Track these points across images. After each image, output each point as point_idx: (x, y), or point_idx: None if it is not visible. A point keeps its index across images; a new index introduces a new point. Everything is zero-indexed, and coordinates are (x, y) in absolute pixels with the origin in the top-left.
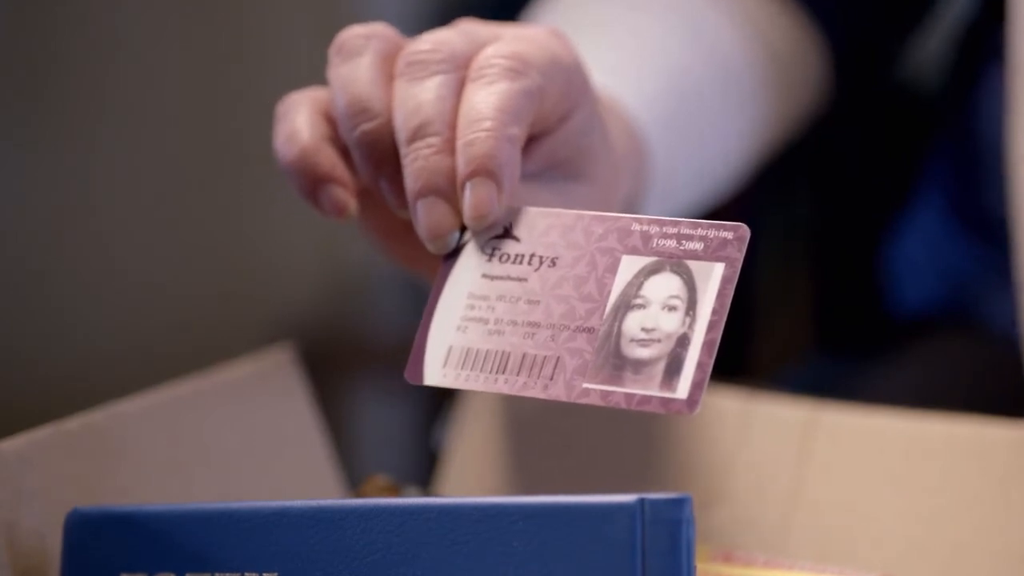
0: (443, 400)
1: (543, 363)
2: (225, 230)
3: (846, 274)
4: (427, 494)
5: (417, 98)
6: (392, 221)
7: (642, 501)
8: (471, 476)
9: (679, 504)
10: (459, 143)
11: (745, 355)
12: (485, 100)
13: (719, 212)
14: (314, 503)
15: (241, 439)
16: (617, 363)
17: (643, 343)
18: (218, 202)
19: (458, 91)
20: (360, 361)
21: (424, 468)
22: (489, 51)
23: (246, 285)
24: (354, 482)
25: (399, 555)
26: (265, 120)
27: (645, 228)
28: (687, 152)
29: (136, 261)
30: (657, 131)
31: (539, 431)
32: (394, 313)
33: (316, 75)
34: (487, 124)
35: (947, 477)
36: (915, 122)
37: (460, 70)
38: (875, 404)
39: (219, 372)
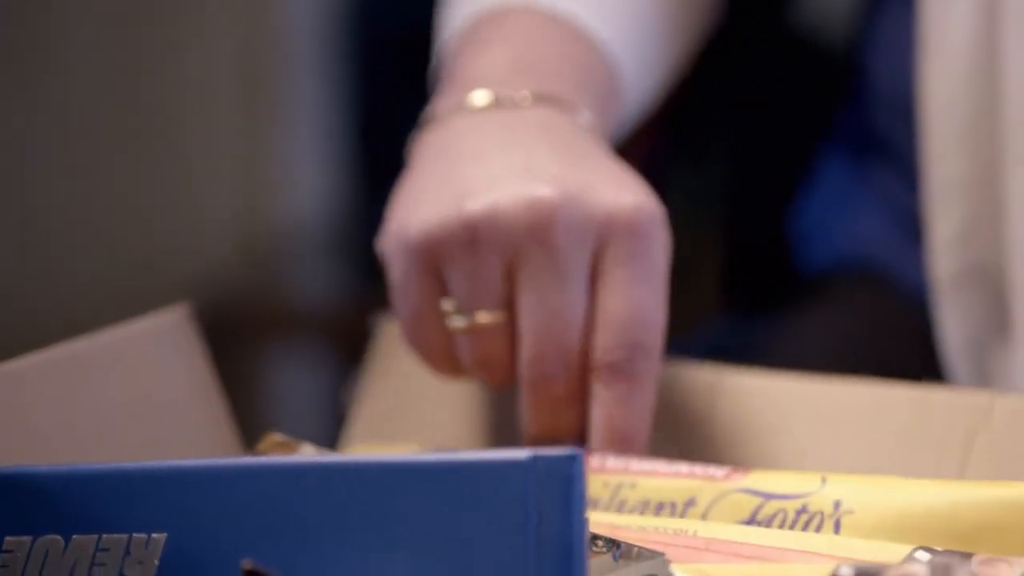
0: (357, 364)
1: None
2: (144, 193)
3: (755, 233)
4: (324, 453)
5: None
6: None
7: (535, 457)
8: (375, 437)
9: (571, 460)
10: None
11: None
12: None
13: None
14: (204, 462)
15: (135, 399)
16: None
17: None
18: (137, 165)
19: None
20: (277, 325)
21: (337, 432)
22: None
23: (164, 248)
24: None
25: (290, 514)
26: (185, 85)
27: None
28: (643, 76)
29: (55, 223)
30: (627, 61)
31: (445, 393)
32: (312, 279)
33: (232, 39)
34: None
35: (847, 438)
36: (820, 76)
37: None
38: (785, 361)
39: (113, 331)
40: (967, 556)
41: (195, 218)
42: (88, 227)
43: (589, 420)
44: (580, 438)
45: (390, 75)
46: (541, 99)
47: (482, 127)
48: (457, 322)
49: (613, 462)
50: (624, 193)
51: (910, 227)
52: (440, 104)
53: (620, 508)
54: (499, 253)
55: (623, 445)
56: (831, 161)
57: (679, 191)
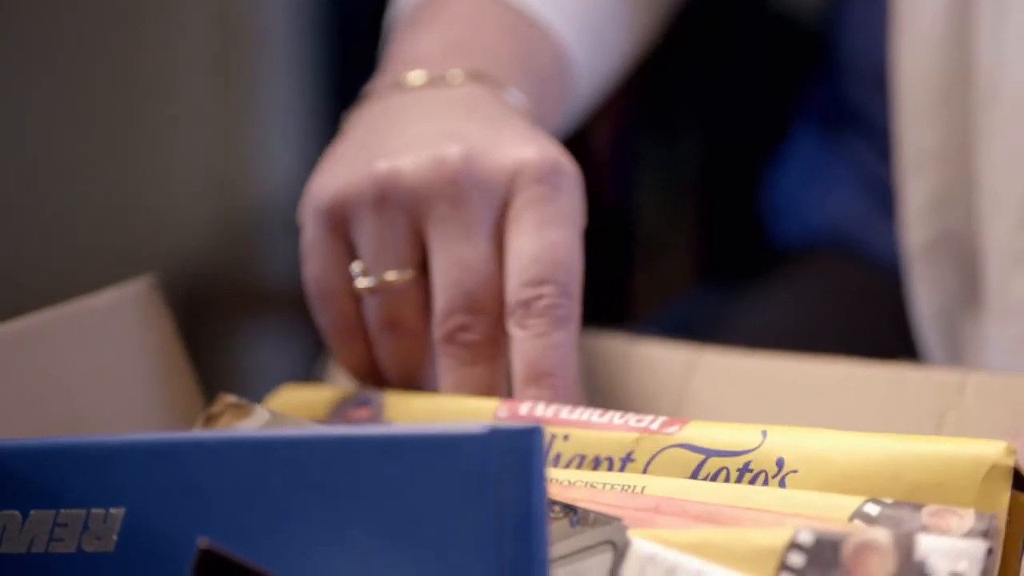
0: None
1: None
2: (117, 169)
3: (728, 206)
4: (278, 416)
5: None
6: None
7: (493, 431)
8: None
9: (530, 434)
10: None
11: (629, 291)
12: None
13: (600, 157)
14: (161, 436)
15: (100, 370)
16: None
17: None
18: (110, 141)
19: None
20: (249, 300)
21: None
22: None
23: (137, 224)
24: None
25: (248, 488)
26: (158, 62)
27: None
28: (599, 57)
29: (28, 198)
30: (579, 43)
31: None
32: (285, 255)
33: (205, 15)
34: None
35: (820, 417)
36: (792, 48)
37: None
38: (758, 333)
39: (78, 303)
40: (917, 508)
41: (169, 194)
42: (60, 203)
43: (510, 369)
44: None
45: (363, 52)
46: (472, 77)
47: (411, 103)
48: (364, 283)
49: (542, 411)
50: (530, 146)
51: (882, 198)
52: (376, 82)
53: (556, 462)
54: (406, 211)
55: (543, 382)
56: (803, 133)
57: (652, 165)
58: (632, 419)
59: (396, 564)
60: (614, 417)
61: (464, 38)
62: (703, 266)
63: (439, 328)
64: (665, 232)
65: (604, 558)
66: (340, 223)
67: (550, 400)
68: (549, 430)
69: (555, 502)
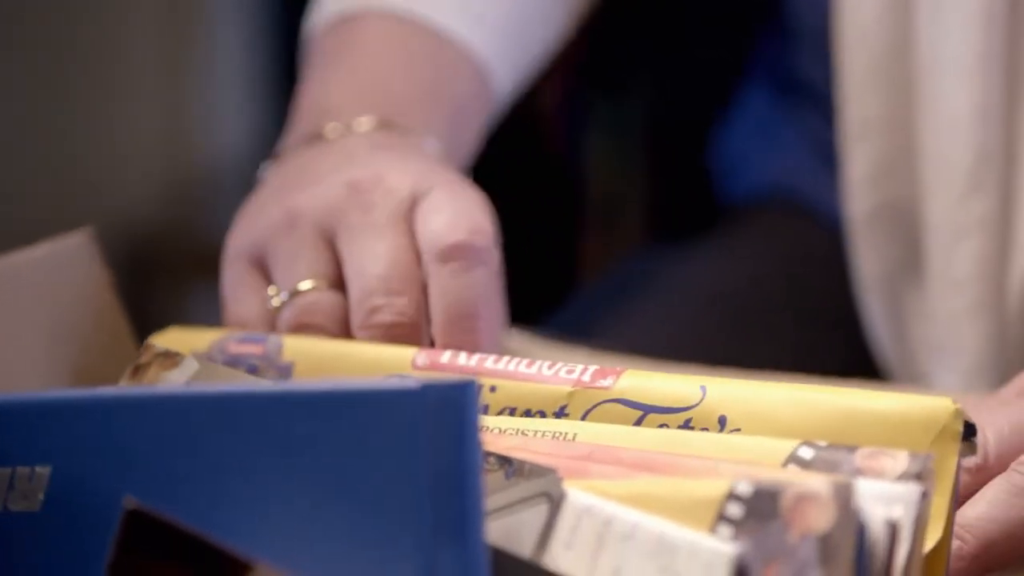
0: None
1: None
2: (67, 129)
3: (679, 165)
4: (207, 366)
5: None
6: None
7: (425, 387)
8: None
9: (463, 389)
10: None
11: (579, 250)
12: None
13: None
14: (88, 393)
15: (34, 324)
16: None
17: None
18: (60, 101)
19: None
20: (199, 262)
21: None
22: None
23: (87, 185)
24: None
25: (176, 445)
26: (107, 21)
27: None
28: (520, 58)
29: None
30: (499, 53)
31: None
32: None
33: None
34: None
35: None
36: (742, 12)
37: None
38: (708, 291)
39: (11, 256)
40: (851, 450)
41: (118, 155)
42: (9, 162)
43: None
44: None
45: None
46: (382, 126)
47: (323, 153)
48: (278, 301)
49: (465, 360)
50: (448, 219)
51: (831, 161)
52: (290, 138)
53: (484, 413)
54: (318, 227)
55: (465, 324)
56: (753, 96)
57: (602, 125)
58: (563, 369)
59: (328, 521)
60: (543, 367)
61: (373, 81)
62: (653, 224)
63: (355, 316)
64: (615, 190)
65: (539, 511)
66: (256, 260)
67: (472, 347)
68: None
69: (490, 453)
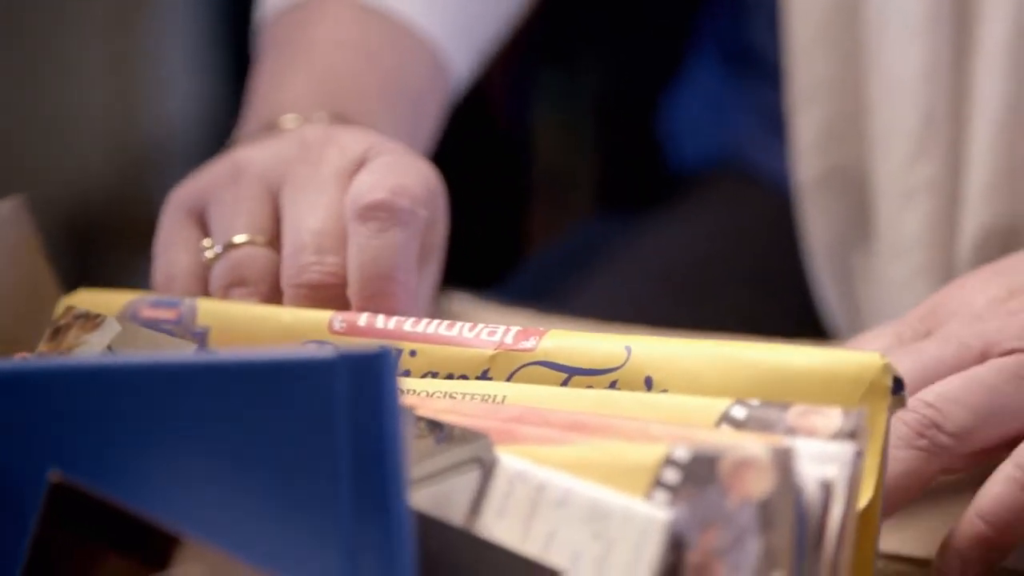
0: None
1: None
2: (14, 100)
3: (629, 134)
4: (129, 329)
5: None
6: None
7: (341, 356)
8: None
9: (380, 358)
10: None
11: (528, 221)
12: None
13: (498, 88)
14: (7, 364)
15: None
16: None
17: None
18: (6, 71)
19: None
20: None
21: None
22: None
23: (35, 156)
24: None
25: (95, 417)
26: None
27: None
28: (477, 43)
29: None
30: (455, 38)
31: None
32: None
33: None
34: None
35: None
36: None
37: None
38: (657, 260)
39: None
40: (784, 407)
41: (65, 127)
42: None
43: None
44: None
45: None
46: (340, 121)
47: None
48: (212, 253)
49: (383, 323)
50: (373, 181)
51: (780, 129)
52: (245, 129)
53: (406, 377)
54: (263, 180)
55: (383, 287)
56: (702, 65)
57: (552, 94)
58: (484, 331)
59: (249, 494)
60: (463, 329)
61: (329, 74)
62: (603, 195)
63: (285, 272)
64: (564, 161)
65: (471, 477)
66: (196, 212)
67: (389, 310)
68: (394, 345)
69: (421, 419)
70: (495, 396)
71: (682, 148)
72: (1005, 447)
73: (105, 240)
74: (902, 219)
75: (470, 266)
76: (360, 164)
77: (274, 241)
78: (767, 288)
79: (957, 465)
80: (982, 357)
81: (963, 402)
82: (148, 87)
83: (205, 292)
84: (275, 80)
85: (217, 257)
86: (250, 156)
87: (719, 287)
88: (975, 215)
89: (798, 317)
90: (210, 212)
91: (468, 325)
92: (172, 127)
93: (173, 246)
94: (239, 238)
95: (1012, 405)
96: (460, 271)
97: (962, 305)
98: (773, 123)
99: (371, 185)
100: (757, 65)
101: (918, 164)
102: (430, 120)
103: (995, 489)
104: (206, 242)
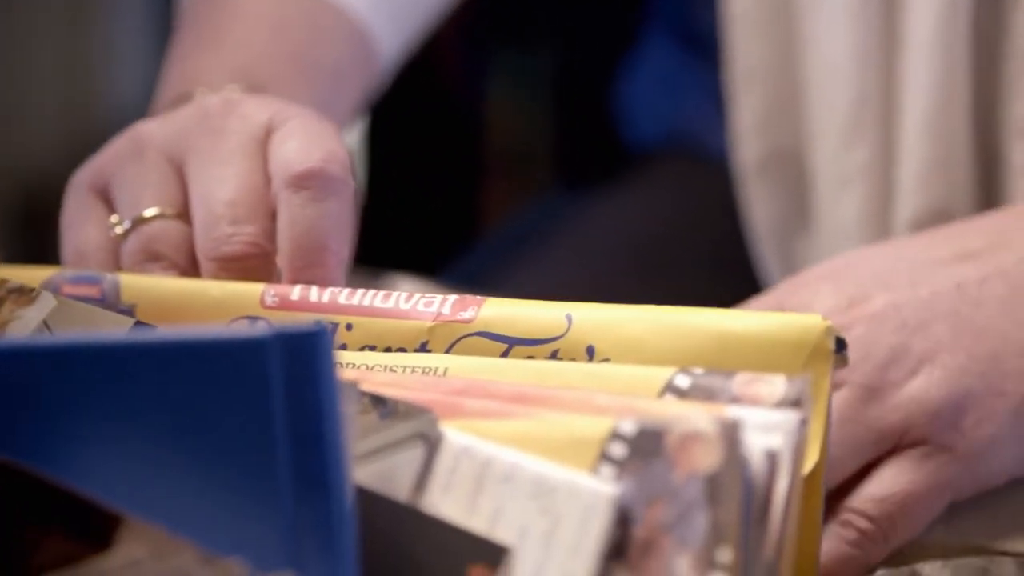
0: None
1: None
2: None
3: (582, 113)
4: (64, 303)
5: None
6: None
7: (276, 335)
8: None
9: (316, 336)
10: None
11: (484, 201)
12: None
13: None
14: None
15: None
16: None
17: None
18: None
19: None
20: None
21: None
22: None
23: None
24: None
25: (33, 398)
26: None
27: None
28: (409, 18)
29: None
30: (380, 11)
31: None
32: None
33: None
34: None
35: None
36: None
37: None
38: (611, 235)
39: None
40: (729, 376)
41: (17, 105)
42: None
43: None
44: None
45: None
46: (251, 92)
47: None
48: (121, 228)
49: (316, 295)
50: (297, 149)
51: (721, 96)
52: (157, 105)
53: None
54: (166, 153)
55: (316, 258)
56: (655, 45)
57: (506, 73)
58: (420, 302)
59: (190, 475)
60: (399, 300)
61: (244, 48)
62: (557, 173)
63: (201, 245)
64: (519, 139)
65: (416, 453)
66: (100, 189)
67: (323, 281)
68: (329, 319)
69: (364, 394)
70: (436, 368)
71: (635, 127)
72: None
73: (57, 220)
74: (839, 204)
75: (425, 244)
76: (267, 131)
77: (183, 214)
78: (716, 266)
79: None
80: None
81: None
82: (101, 71)
83: (118, 268)
84: (188, 55)
85: (127, 232)
86: (150, 130)
87: (670, 265)
88: (910, 200)
89: (746, 296)
90: (114, 189)
91: (404, 295)
92: (125, 111)
93: (80, 223)
94: (149, 212)
95: (842, 452)
96: (415, 250)
97: (805, 309)
98: (723, 104)
99: (300, 152)
100: (706, 46)
101: (852, 149)
102: (350, 98)
103: (824, 544)
104: (114, 218)
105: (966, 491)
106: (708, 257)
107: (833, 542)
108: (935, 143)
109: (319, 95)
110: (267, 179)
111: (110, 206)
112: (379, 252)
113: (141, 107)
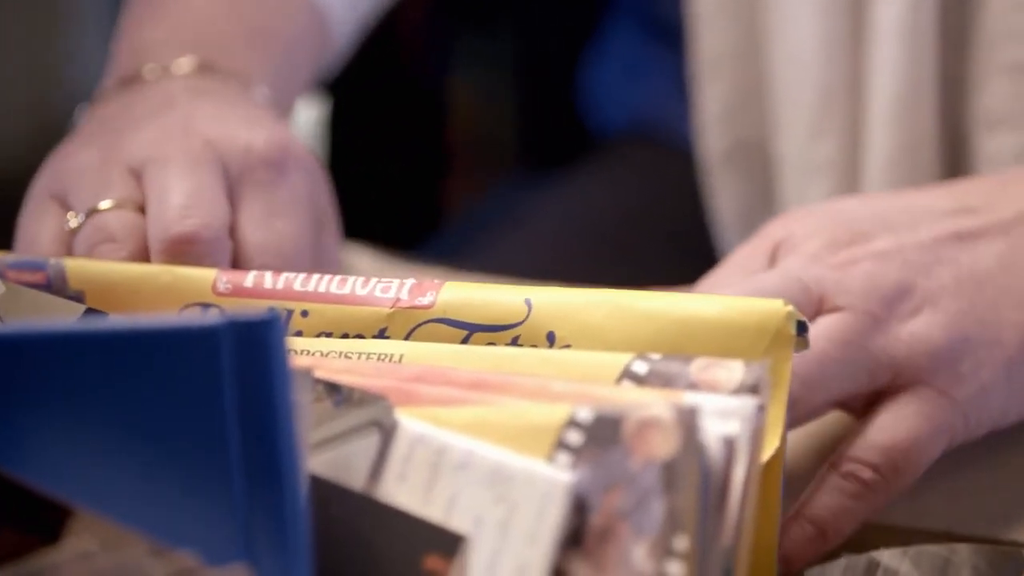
0: None
1: None
2: None
3: (547, 97)
4: (13, 290)
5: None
6: None
7: (229, 323)
8: None
9: (269, 325)
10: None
11: (448, 185)
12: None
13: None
14: None
15: None
16: None
17: None
18: None
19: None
20: None
21: None
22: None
23: None
24: None
25: None
26: None
27: None
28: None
29: None
30: None
31: None
32: None
33: None
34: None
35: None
36: None
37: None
38: (574, 220)
39: None
40: (687, 361)
41: None
42: None
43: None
44: None
45: None
46: (202, 69)
47: (141, 99)
48: (76, 222)
49: (271, 282)
50: (257, 130)
51: (686, 82)
52: (107, 81)
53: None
54: (128, 164)
55: (269, 244)
56: (620, 31)
57: (470, 57)
58: (378, 287)
59: (142, 467)
60: (356, 285)
61: (195, 20)
62: (521, 158)
63: (153, 231)
64: (483, 124)
65: (371, 441)
66: (60, 196)
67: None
68: (283, 306)
69: (319, 381)
70: (392, 355)
71: (600, 112)
72: (831, 408)
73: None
74: (806, 193)
75: (388, 230)
76: (235, 182)
77: (140, 210)
78: (680, 252)
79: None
80: (819, 305)
81: (792, 373)
82: (65, 55)
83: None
84: (138, 27)
85: (81, 225)
86: (113, 139)
87: (634, 250)
88: (876, 191)
89: None
90: (71, 195)
91: (361, 280)
92: (89, 96)
93: (34, 222)
94: (104, 204)
95: (840, 371)
96: (380, 234)
97: (802, 243)
98: (689, 91)
99: (261, 140)
100: (672, 34)
101: (819, 140)
102: (303, 74)
103: (824, 498)
104: (69, 215)
105: (958, 438)
106: (672, 243)
107: (834, 496)
108: (902, 133)
109: (272, 67)
110: (223, 184)
111: (67, 209)
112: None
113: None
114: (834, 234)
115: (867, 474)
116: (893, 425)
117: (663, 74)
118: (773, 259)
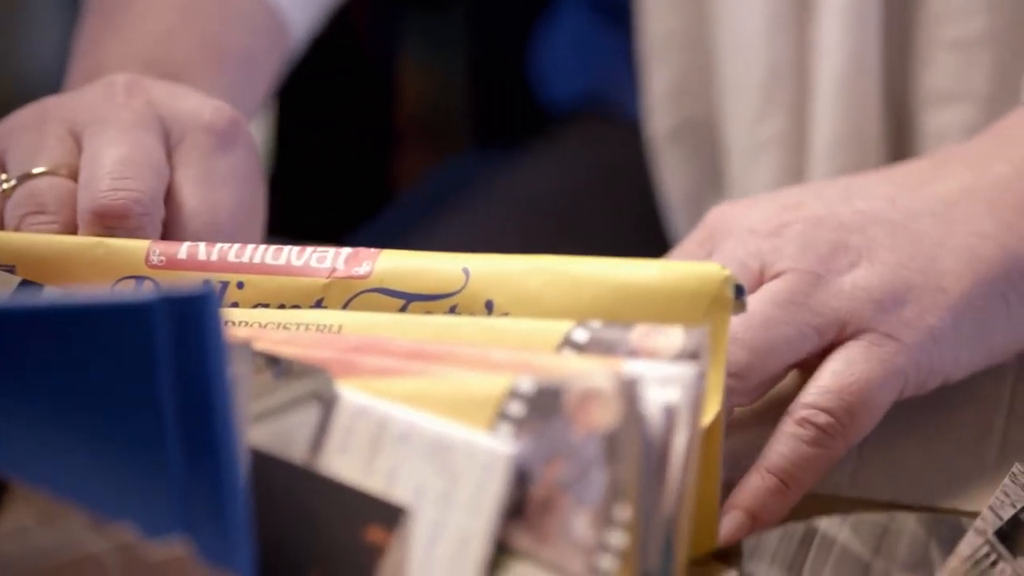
0: None
1: None
2: None
3: (498, 73)
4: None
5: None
6: None
7: (162, 299)
8: None
9: (203, 300)
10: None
11: (399, 163)
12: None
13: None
14: None
15: None
16: None
17: None
18: None
19: None
20: None
21: None
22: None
23: None
24: None
25: None
26: None
27: None
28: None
29: None
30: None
31: None
32: None
33: None
34: None
35: None
36: None
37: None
38: (526, 194)
39: None
40: (627, 328)
41: None
42: None
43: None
44: None
45: None
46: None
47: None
48: (7, 185)
49: (204, 253)
50: (209, 103)
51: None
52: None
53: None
54: (66, 122)
55: (206, 223)
56: (570, 6)
57: (419, 34)
58: (313, 257)
59: (77, 438)
60: (291, 255)
61: (153, 38)
62: (473, 134)
63: (81, 198)
64: (434, 102)
65: (311, 413)
66: None
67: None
68: (218, 278)
69: (258, 352)
70: (331, 325)
71: (551, 88)
72: (787, 372)
73: None
74: (753, 172)
75: (338, 210)
76: (172, 146)
77: (74, 175)
78: (631, 227)
79: (744, 400)
80: (760, 277)
81: (739, 341)
82: (16, 34)
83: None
84: (95, 42)
85: (13, 189)
86: (54, 104)
87: (584, 225)
88: (822, 168)
89: (658, 256)
90: (7, 154)
91: (296, 250)
92: (41, 75)
93: None
94: (37, 169)
95: (787, 333)
96: (328, 216)
97: (737, 223)
98: (631, 64)
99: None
100: (620, 10)
101: (766, 119)
102: (262, 83)
103: (781, 448)
104: (3, 176)
105: (911, 386)
106: (622, 218)
107: (791, 444)
108: (847, 111)
109: (230, 83)
110: (162, 143)
111: (3, 170)
112: (291, 219)
113: (58, 73)
114: (767, 209)
115: (822, 419)
116: (845, 369)
117: (613, 51)
118: (712, 245)
